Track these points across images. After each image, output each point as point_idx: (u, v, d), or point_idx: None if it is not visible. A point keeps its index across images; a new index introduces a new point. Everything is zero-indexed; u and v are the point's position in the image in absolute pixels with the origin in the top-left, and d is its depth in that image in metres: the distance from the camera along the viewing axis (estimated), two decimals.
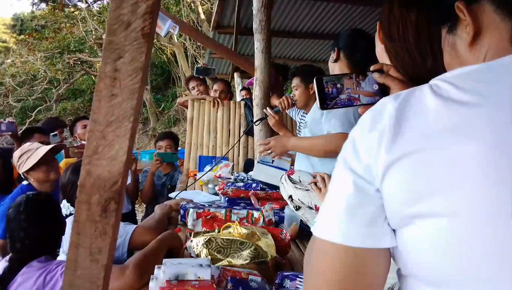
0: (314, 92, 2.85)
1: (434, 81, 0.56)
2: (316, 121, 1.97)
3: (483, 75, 0.53)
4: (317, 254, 0.59)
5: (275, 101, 3.08)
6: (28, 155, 2.33)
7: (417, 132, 0.51)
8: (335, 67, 1.98)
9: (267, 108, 2.60)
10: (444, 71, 1.02)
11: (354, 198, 0.54)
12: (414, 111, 0.52)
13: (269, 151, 2.10)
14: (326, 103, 0.92)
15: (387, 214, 0.55)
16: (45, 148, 2.35)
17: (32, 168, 2.33)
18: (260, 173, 2.19)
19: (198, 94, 3.91)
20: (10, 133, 3.00)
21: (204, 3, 11.77)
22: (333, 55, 1.96)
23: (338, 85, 0.92)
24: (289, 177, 1.83)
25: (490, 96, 0.50)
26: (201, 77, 4.17)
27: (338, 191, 0.57)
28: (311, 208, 1.76)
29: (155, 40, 12.89)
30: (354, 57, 1.85)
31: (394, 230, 0.56)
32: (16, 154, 2.42)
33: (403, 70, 1.13)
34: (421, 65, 1.09)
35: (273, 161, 2.10)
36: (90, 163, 0.52)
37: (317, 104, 0.95)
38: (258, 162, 2.12)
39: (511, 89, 0.50)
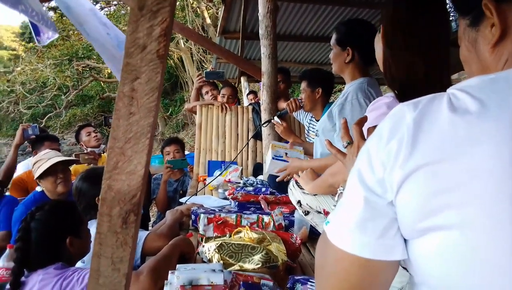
0: (320, 97, 2.81)
1: (452, 90, 0.55)
2: (326, 131, 1.95)
3: (501, 85, 0.52)
4: (330, 260, 0.60)
5: (282, 105, 3.11)
6: (40, 164, 2.37)
7: (432, 144, 0.51)
8: (347, 68, 1.90)
9: (275, 117, 2.63)
10: (446, 79, 1.02)
11: (364, 213, 0.55)
12: (431, 122, 0.52)
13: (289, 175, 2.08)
14: None
15: (400, 226, 0.56)
16: (53, 161, 2.37)
17: (41, 177, 2.37)
18: (276, 167, 2.15)
19: (212, 99, 3.94)
20: (34, 136, 3.05)
21: (209, 8, 11.83)
22: (346, 56, 1.85)
23: None
24: (297, 183, 1.85)
25: (507, 108, 0.49)
26: (210, 80, 4.21)
27: (351, 203, 0.58)
28: (319, 212, 1.77)
29: None
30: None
31: (405, 241, 0.57)
32: (33, 160, 2.48)
33: (397, 80, 1.13)
34: (419, 76, 1.09)
35: (286, 154, 2.09)
36: (110, 177, 0.56)
37: None
38: (273, 158, 2.10)
39: None
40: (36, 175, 2.36)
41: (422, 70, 1.06)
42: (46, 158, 2.39)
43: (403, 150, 0.52)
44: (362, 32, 1.82)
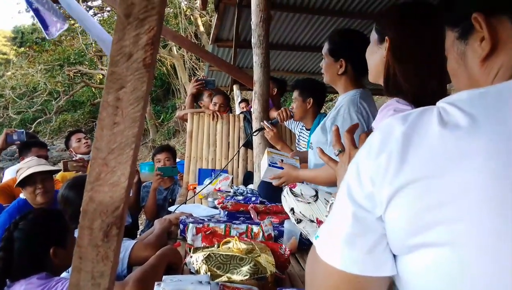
0: (311, 107, 2.80)
1: (441, 104, 0.54)
2: (321, 144, 1.94)
3: (492, 100, 0.51)
4: (320, 274, 0.59)
5: (274, 114, 3.11)
6: (21, 172, 2.32)
7: (422, 160, 0.50)
8: (340, 79, 1.88)
9: (264, 121, 2.62)
10: (445, 90, 1.02)
11: (353, 228, 0.55)
12: (421, 137, 0.51)
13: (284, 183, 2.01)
14: None
15: (389, 241, 0.55)
16: (30, 171, 2.31)
17: (21, 186, 2.32)
18: (271, 174, 2.11)
19: (211, 103, 3.92)
20: (20, 142, 3.00)
21: (203, 15, 11.87)
22: (339, 68, 1.83)
23: None
24: (291, 190, 1.84)
25: (497, 124, 0.48)
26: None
27: (339, 217, 0.57)
28: (312, 221, 1.76)
29: None
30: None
31: (395, 256, 0.56)
32: (17, 168, 2.43)
33: (407, 92, 1.14)
34: (431, 89, 1.10)
35: (282, 160, 2.06)
36: (92, 189, 0.54)
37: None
38: (269, 165, 2.05)
39: None
40: (16, 184, 2.32)
41: (435, 83, 1.07)
42: (26, 166, 2.34)
43: (392, 165, 0.51)
44: (356, 44, 1.79)
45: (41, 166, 2.40)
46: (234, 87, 6.30)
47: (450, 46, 0.68)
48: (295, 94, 2.68)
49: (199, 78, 3.73)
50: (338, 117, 1.79)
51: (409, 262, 0.53)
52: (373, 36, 1.35)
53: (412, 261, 0.53)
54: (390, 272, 0.55)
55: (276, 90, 3.55)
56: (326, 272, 0.57)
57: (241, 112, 4.06)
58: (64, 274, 1.55)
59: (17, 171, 2.37)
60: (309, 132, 2.69)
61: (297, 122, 2.98)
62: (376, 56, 1.33)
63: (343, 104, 1.81)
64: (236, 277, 1.37)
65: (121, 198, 0.53)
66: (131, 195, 3.13)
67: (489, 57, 0.59)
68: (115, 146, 0.52)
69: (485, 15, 0.58)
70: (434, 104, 0.56)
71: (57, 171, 2.81)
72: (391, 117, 0.56)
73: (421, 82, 1.14)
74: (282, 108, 2.76)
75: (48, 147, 3.56)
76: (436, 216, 0.48)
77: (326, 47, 1.89)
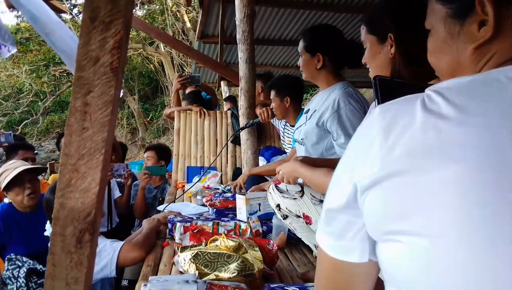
0: (290, 105, 2.77)
1: (428, 91, 0.53)
2: (311, 136, 1.89)
3: (477, 89, 0.50)
4: (318, 251, 0.64)
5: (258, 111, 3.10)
6: (6, 175, 2.28)
7: (403, 151, 0.49)
8: (320, 74, 1.87)
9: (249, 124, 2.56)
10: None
11: (325, 217, 0.60)
12: (403, 127, 0.50)
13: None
14: None
15: (367, 227, 0.56)
16: (18, 170, 2.27)
17: (8, 188, 2.28)
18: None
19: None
20: (7, 144, 2.96)
21: (189, 11, 11.79)
22: (317, 63, 1.83)
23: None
24: (276, 186, 1.83)
25: (480, 115, 0.47)
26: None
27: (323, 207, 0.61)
28: (298, 216, 1.76)
29: (141, 50, 12.88)
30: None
31: (375, 243, 0.57)
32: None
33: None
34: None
35: (260, 204, 2.09)
36: (63, 196, 0.53)
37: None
38: (248, 218, 2.06)
39: (502, 108, 0.47)
40: (2, 186, 2.27)
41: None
42: (13, 167, 2.30)
43: (371, 156, 0.52)
44: (330, 37, 1.83)
45: (26, 165, 2.37)
46: (222, 83, 6.27)
47: (436, 22, 0.64)
48: (272, 94, 2.65)
49: (183, 74, 3.70)
50: (340, 111, 1.74)
51: (387, 248, 0.54)
52: (369, 39, 1.31)
53: (390, 247, 0.53)
54: (358, 259, 0.57)
55: (261, 87, 3.53)
56: (320, 254, 0.62)
57: (229, 109, 4.05)
58: None
59: (1, 175, 2.33)
60: (293, 128, 2.68)
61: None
62: (380, 57, 1.29)
63: (337, 98, 1.77)
64: (224, 275, 1.37)
65: (93, 204, 0.53)
66: (120, 195, 3.11)
67: (486, 44, 0.57)
68: (85, 152, 0.52)
69: (495, 2, 0.54)
70: None
71: (44, 169, 2.79)
72: (378, 106, 0.56)
73: (429, 75, 1.12)
74: (263, 108, 2.74)
75: (36, 150, 3.52)
76: (414, 207, 0.48)
77: (301, 44, 1.90)
